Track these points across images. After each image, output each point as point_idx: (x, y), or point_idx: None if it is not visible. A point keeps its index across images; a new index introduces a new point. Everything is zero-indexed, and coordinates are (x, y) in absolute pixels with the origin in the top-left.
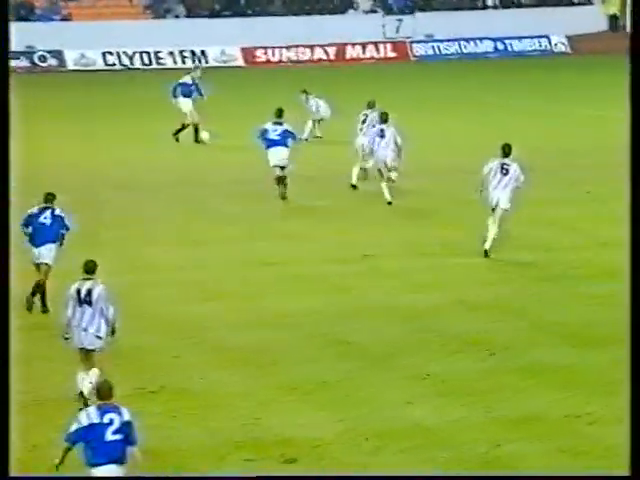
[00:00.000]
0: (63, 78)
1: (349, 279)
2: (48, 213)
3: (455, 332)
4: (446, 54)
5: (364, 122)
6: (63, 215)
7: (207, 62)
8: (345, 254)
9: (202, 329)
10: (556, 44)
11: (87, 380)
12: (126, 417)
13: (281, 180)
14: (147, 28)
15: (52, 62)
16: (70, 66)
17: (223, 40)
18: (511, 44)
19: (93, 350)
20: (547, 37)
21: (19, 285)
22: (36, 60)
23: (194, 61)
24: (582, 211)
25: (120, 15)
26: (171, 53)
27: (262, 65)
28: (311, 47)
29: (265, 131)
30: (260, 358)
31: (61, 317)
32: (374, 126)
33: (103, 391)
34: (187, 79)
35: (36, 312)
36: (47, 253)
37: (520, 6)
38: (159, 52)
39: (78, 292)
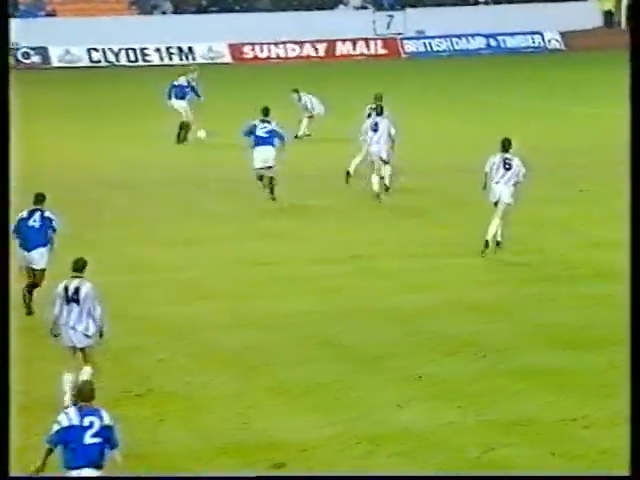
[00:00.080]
0: (47, 75)
1: (341, 279)
2: (37, 216)
3: (448, 334)
4: (437, 51)
5: (369, 116)
6: (52, 217)
7: (194, 59)
8: (337, 254)
9: (190, 330)
10: (549, 40)
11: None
12: (106, 421)
13: (269, 181)
14: (133, 24)
15: (36, 59)
16: (54, 63)
17: (210, 36)
18: (504, 40)
19: (83, 348)
20: (540, 33)
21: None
22: (19, 57)
23: (181, 58)
24: (578, 210)
25: (105, 11)
26: (158, 50)
27: (250, 62)
28: (300, 43)
29: (253, 127)
30: (249, 360)
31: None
32: (369, 115)
33: (84, 392)
34: (182, 81)
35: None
36: (39, 258)
37: (512, 2)
38: (145, 49)
39: (66, 290)
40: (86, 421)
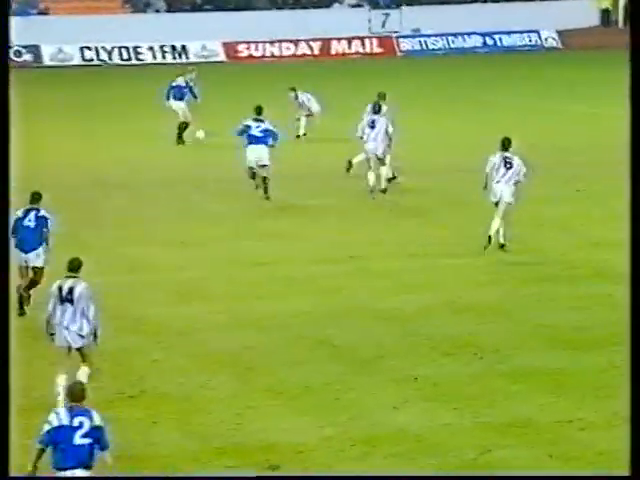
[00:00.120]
0: (40, 74)
1: (339, 280)
2: (32, 215)
3: (444, 334)
4: (433, 49)
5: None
6: (48, 216)
7: (188, 57)
8: (335, 254)
9: (186, 331)
10: (546, 39)
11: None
12: (97, 421)
13: (263, 181)
14: (126, 23)
15: (27, 57)
16: (46, 61)
17: (204, 35)
18: (500, 39)
19: (80, 349)
20: (537, 32)
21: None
22: (11, 55)
23: (174, 57)
24: (576, 210)
25: (98, 9)
26: (151, 48)
27: (244, 60)
28: (295, 42)
29: (247, 127)
30: (246, 361)
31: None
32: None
33: (75, 392)
34: (180, 81)
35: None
36: (34, 257)
37: (509, 0)
38: (138, 47)
39: (60, 289)
40: (76, 421)
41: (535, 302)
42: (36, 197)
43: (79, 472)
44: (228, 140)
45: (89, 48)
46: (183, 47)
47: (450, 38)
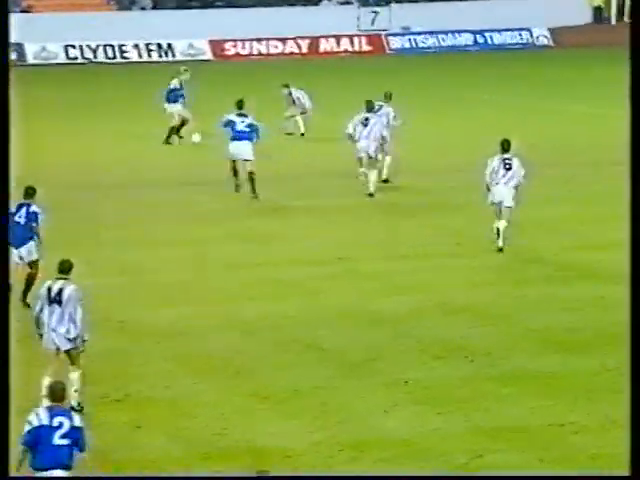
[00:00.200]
0: (22, 72)
1: (326, 282)
2: (23, 211)
3: (435, 337)
4: (423, 47)
5: (376, 112)
6: (38, 211)
7: (174, 56)
8: (322, 256)
9: (170, 334)
10: (538, 37)
11: (73, 388)
12: (76, 422)
13: (249, 177)
14: (111, 20)
15: (11, 56)
16: (30, 60)
17: (191, 33)
18: (491, 37)
19: (68, 352)
20: (529, 30)
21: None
22: None
23: (160, 55)
24: (569, 211)
25: (83, 7)
26: (136, 46)
27: (231, 59)
28: (283, 40)
29: (231, 122)
30: (231, 365)
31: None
32: (377, 112)
33: (55, 392)
34: (176, 83)
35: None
36: (27, 254)
37: None
38: (124, 45)
39: (49, 290)
40: (56, 421)
41: (527, 304)
42: (30, 192)
43: (57, 473)
44: (215, 140)
45: (73, 46)
46: (169, 45)
47: (440, 36)
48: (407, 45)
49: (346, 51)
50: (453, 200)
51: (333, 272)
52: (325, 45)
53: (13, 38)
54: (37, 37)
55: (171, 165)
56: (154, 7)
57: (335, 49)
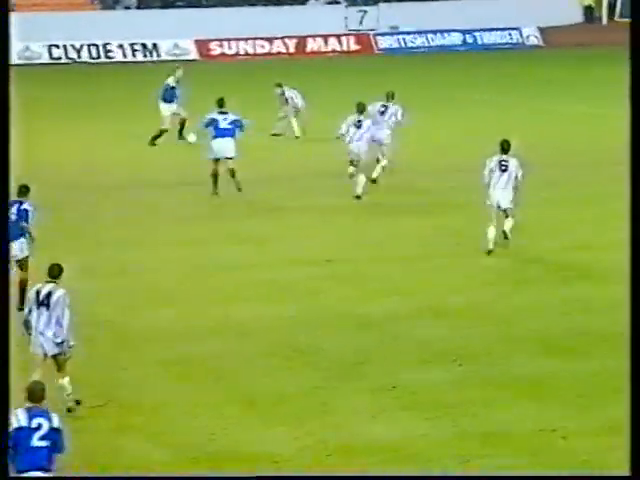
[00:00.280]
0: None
1: (314, 284)
2: (14, 209)
3: (423, 341)
4: (412, 47)
5: (383, 114)
6: (30, 209)
7: (159, 55)
8: (315, 257)
9: (155, 338)
10: (528, 36)
11: (65, 393)
12: (55, 423)
13: (231, 173)
14: (95, 19)
15: None
16: (13, 60)
17: (176, 32)
18: (481, 36)
19: (55, 357)
20: (518, 29)
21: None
22: None
23: (145, 55)
24: (560, 212)
25: (66, 6)
26: (121, 46)
27: (217, 58)
28: (269, 39)
29: (214, 121)
30: (217, 369)
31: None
32: (382, 112)
33: (35, 393)
34: (171, 81)
35: None
36: (18, 251)
37: None
38: (108, 45)
39: (37, 293)
40: (34, 423)
41: (516, 308)
42: (23, 190)
43: (35, 475)
44: (203, 141)
45: (57, 46)
46: (154, 45)
47: (429, 36)
48: (396, 45)
49: (334, 51)
50: (450, 200)
51: (325, 274)
52: (313, 45)
53: None
54: (20, 37)
55: (162, 165)
56: (138, 6)
57: (323, 49)
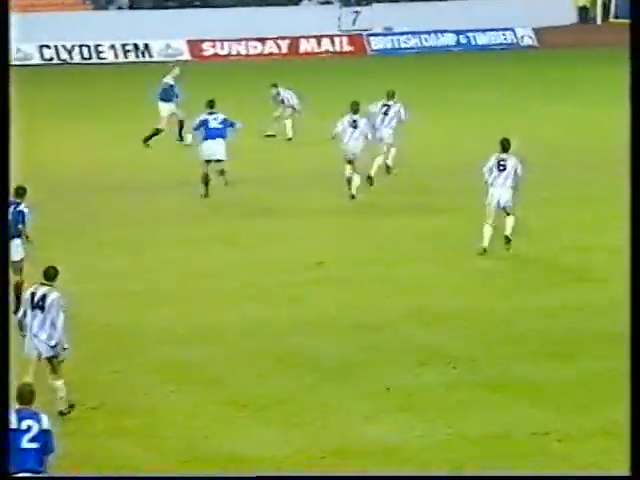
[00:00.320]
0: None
1: (307, 287)
2: (10, 210)
3: (418, 343)
4: (406, 48)
5: (386, 114)
6: (26, 211)
7: (151, 56)
8: (304, 260)
9: (146, 341)
10: (522, 37)
11: (59, 396)
12: (45, 425)
13: (220, 173)
14: (87, 20)
15: None
16: None
17: (168, 33)
18: (475, 37)
19: (50, 360)
20: (512, 30)
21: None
22: None
23: (137, 55)
24: (555, 214)
25: (58, 6)
26: (112, 47)
27: (210, 59)
28: (262, 40)
29: (204, 122)
30: (209, 372)
31: None
32: (385, 113)
33: (24, 395)
34: (169, 80)
35: None
36: (13, 252)
37: None
38: (100, 45)
39: (32, 296)
40: (24, 424)
41: (511, 311)
42: (20, 192)
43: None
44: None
45: (48, 47)
46: (146, 46)
47: (423, 36)
48: (389, 45)
49: (327, 51)
50: (445, 202)
51: (316, 277)
52: (305, 46)
53: None
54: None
55: (152, 167)
56: (131, 7)
57: (316, 50)
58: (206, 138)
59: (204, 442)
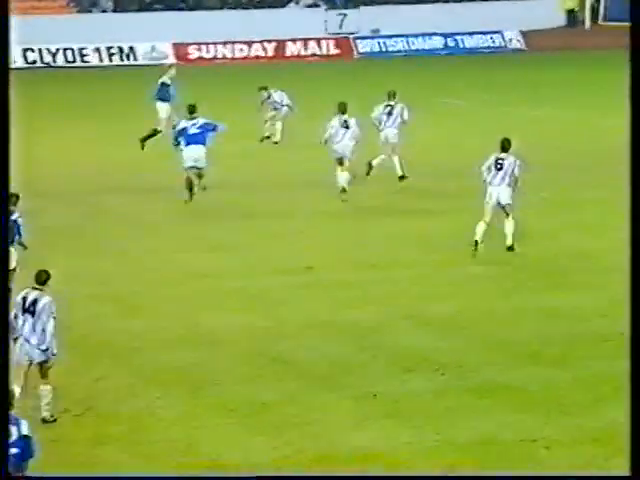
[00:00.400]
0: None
1: (293, 292)
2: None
3: (405, 349)
4: (393, 51)
5: (390, 113)
6: (19, 221)
7: (136, 59)
8: (290, 264)
9: (131, 347)
10: (510, 40)
11: (44, 401)
12: (24, 431)
13: (198, 176)
14: (71, 23)
15: None
16: None
17: (153, 36)
18: (462, 40)
19: (41, 365)
20: (500, 33)
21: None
22: None
23: (122, 58)
24: (543, 218)
25: (42, 9)
26: (97, 50)
27: (195, 62)
28: (248, 43)
29: (184, 129)
30: (195, 378)
31: None
32: (389, 113)
33: None
34: (165, 79)
35: None
36: None
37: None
38: (84, 49)
39: (24, 300)
40: None
41: (498, 316)
42: (12, 200)
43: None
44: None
45: (32, 50)
46: (131, 48)
47: (410, 39)
48: (376, 49)
49: (314, 55)
50: (437, 205)
51: (301, 282)
52: (292, 48)
53: None
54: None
55: (133, 171)
56: (115, 9)
57: (302, 53)
58: (187, 144)
59: (190, 448)
